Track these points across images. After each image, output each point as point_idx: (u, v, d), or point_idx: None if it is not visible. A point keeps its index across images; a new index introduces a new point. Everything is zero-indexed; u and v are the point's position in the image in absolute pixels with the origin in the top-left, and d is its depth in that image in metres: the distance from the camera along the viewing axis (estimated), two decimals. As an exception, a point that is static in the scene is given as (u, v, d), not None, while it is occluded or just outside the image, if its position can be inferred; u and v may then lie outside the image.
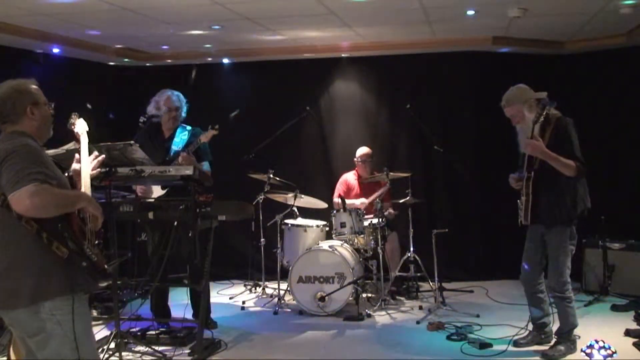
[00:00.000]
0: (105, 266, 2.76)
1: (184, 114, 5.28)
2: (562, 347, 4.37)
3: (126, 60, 6.99)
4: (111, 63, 7.13)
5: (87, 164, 3.05)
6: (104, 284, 2.76)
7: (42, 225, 2.58)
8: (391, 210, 6.34)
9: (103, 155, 3.17)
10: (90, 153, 3.14)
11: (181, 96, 5.28)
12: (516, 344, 4.61)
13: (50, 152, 2.83)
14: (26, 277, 2.59)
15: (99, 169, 3.16)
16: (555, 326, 4.57)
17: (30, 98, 2.78)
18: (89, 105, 5.21)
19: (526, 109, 4.29)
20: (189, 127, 5.25)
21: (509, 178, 4.46)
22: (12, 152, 2.57)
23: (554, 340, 4.52)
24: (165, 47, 6.78)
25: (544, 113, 4.15)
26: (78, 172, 3.01)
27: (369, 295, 6.20)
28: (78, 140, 3.27)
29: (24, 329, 2.67)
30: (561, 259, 4.31)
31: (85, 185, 2.99)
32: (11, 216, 2.55)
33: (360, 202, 6.45)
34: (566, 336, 4.41)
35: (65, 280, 2.61)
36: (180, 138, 5.17)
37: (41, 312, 2.59)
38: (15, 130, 2.72)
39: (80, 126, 3.38)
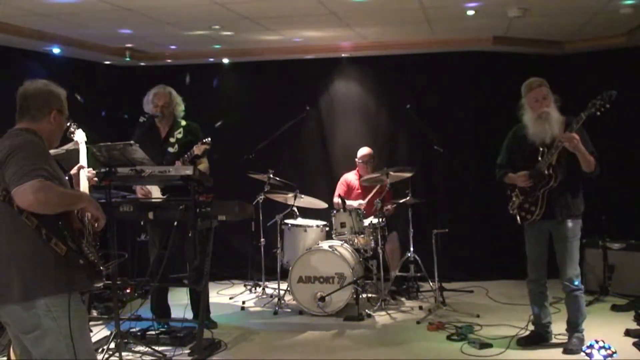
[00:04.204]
0: (101, 267, 2.78)
1: (179, 111, 5.17)
2: (576, 340, 4.39)
3: (126, 60, 6.99)
4: (111, 63, 7.13)
5: (84, 174, 3.17)
6: (99, 285, 2.77)
7: (42, 222, 2.58)
8: (389, 207, 6.32)
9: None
10: (89, 154, 3.21)
11: (173, 93, 5.16)
12: (520, 342, 4.60)
13: (51, 151, 2.85)
14: (21, 272, 2.59)
15: (96, 171, 3.26)
16: (554, 326, 4.58)
17: (60, 103, 2.83)
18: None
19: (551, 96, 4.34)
20: (183, 123, 5.18)
21: (517, 177, 4.45)
22: (18, 147, 2.59)
23: (567, 334, 4.50)
24: (165, 47, 6.78)
25: (606, 105, 4.09)
26: (77, 176, 3.09)
27: (369, 295, 6.19)
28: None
29: (19, 325, 2.66)
30: (574, 251, 4.35)
31: (84, 190, 3.08)
32: (12, 210, 2.56)
33: (357, 203, 6.44)
34: (579, 329, 4.43)
35: (62, 277, 2.61)
36: (176, 137, 5.12)
37: (37, 308, 2.59)
38: (25, 128, 2.73)
39: (79, 136, 3.47)
